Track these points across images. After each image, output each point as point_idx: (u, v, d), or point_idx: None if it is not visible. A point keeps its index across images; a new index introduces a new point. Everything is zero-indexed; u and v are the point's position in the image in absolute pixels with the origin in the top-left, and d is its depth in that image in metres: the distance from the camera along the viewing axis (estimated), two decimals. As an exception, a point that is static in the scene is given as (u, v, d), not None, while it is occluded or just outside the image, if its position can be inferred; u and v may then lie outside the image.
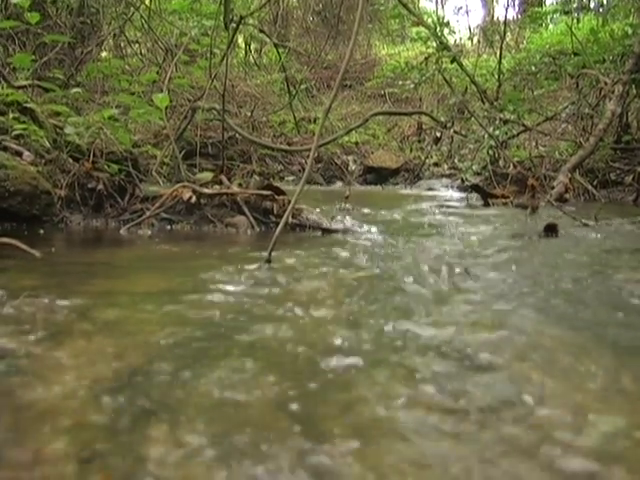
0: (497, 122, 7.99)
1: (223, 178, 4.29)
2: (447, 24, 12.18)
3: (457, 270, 2.49)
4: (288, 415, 1.09)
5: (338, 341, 1.50)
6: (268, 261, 2.54)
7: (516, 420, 1.10)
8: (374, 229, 3.76)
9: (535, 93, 9.26)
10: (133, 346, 1.43)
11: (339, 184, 9.95)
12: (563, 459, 0.96)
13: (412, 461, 0.95)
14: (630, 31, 8.31)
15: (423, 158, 10.84)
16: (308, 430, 1.04)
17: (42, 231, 3.36)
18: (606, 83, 7.78)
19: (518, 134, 8.24)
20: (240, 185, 4.05)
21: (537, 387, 1.25)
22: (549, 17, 14.40)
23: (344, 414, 1.11)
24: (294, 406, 1.13)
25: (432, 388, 1.23)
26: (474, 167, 8.76)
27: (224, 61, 6.15)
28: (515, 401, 1.17)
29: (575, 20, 11.46)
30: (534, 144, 8.08)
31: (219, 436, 1.01)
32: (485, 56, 14.85)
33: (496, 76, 9.70)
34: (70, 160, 3.85)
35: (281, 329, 1.58)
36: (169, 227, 3.65)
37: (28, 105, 3.99)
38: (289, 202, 3.20)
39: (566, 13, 12.35)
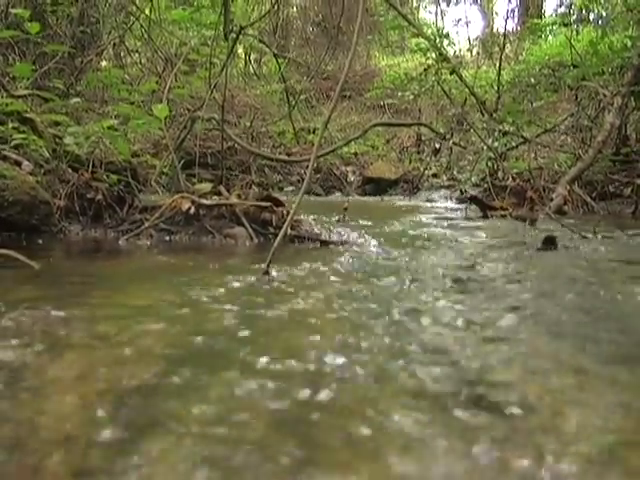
0: (496, 134, 7.99)
1: (222, 189, 4.29)
2: (447, 35, 12.20)
3: (454, 283, 2.49)
4: (287, 435, 1.09)
5: (333, 360, 1.49)
6: (267, 273, 2.53)
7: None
8: (373, 241, 3.76)
9: (534, 105, 9.26)
10: (131, 360, 1.43)
11: (338, 195, 9.95)
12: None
13: None
14: (629, 43, 8.32)
15: (422, 169, 10.84)
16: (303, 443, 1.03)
17: (41, 241, 3.35)
18: (605, 95, 7.79)
19: (517, 146, 8.25)
20: (239, 196, 4.04)
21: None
22: (548, 29, 14.41)
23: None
24: (292, 427, 1.13)
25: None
26: (473, 178, 8.76)
27: (224, 71, 6.17)
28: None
29: (574, 32, 11.46)
30: (533, 156, 8.07)
31: (214, 450, 1.00)
32: (484, 67, 14.87)
33: (495, 88, 9.71)
34: (69, 170, 3.85)
35: (280, 346, 1.58)
36: (168, 238, 3.64)
37: (28, 115, 3.99)
38: (288, 213, 3.20)
39: (565, 25, 12.36)
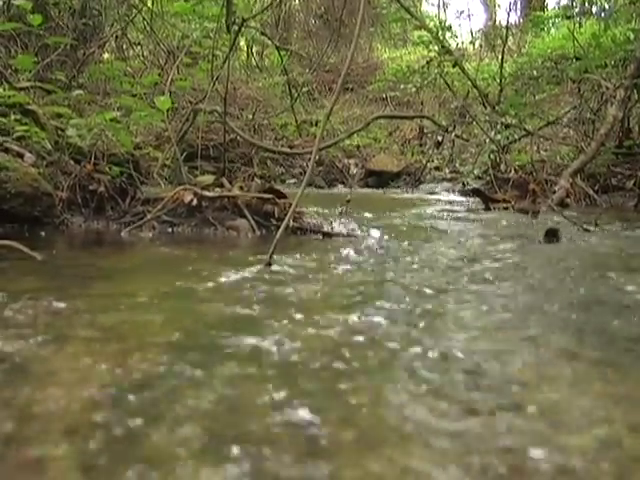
0: (498, 126, 7.98)
1: (224, 181, 4.29)
2: (449, 28, 12.19)
3: (457, 277, 2.49)
4: (286, 423, 1.09)
5: (333, 351, 1.49)
6: (269, 265, 2.54)
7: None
8: (375, 233, 3.75)
9: (537, 97, 9.25)
10: (133, 350, 1.43)
11: (340, 187, 9.94)
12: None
13: None
14: (632, 36, 8.30)
15: (424, 162, 10.82)
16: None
17: (43, 233, 3.36)
18: (608, 88, 7.77)
19: (519, 138, 8.23)
20: (241, 188, 4.04)
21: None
22: (551, 21, 14.38)
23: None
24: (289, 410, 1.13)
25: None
26: (475, 171, 8.75)
27: (226, 64, 6.16)
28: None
29: (577, 25, 11.44)
30: (535, 148, 8.06)
31: (217, 439, 1.00)
32: (487, 60, 14.84)
33: (498, 80, 9.68)
34: (71, 162, 3.85)
35: (280, 336, 1.58)
36: (170, 230, 3.64)
37: (30, 107, 3.99)
38: (290, 205, 3.19)
39: (568, 18, 12.33)
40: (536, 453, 0.99)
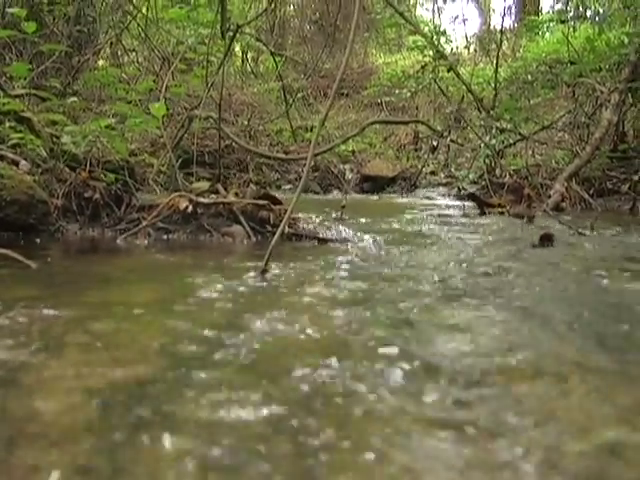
0: (493, 131, 7.99)
1: (219, 187, 4.29)
2: (444, 33, 12.22)
3: (453, 282, 2.50)
4: (279, 431, 1.09)
5: (329, 361, 1.49)
6: (264, 271, 2.54)
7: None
8: (370, 238, 3.75)
9: (531, 102, 9.27)
10: (128, 358, 1.43)
11: (336, 193, 9.94)
12: None
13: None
14: (626, 40, 8.31)
15: (420, 167, 10.82)
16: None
17: (38, 240, 3.35)
18: (602, 92, 7.79)
19: (514, 143, 8.24)
20: (236, 194, 4.04)
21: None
22: (545, 26, 14.40)
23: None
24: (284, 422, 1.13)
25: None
26: (471, 176, 8.75)
27: (221, 70, 6.16)
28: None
29: (571, 29, 11.46)
30: (530, 153, 8.07)
31: (211, 444, 1.00)
32: (482, 65, 14.85)
33: (492, 85, 9.69)
34: (67, 169, 3.85)
35: (275, 344, 1.58)
36: (165, 236, 3.64)
37: (25, 114, 3.99)
38: (285, 211, 3.20)
39: (562, 22, 12.36)
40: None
